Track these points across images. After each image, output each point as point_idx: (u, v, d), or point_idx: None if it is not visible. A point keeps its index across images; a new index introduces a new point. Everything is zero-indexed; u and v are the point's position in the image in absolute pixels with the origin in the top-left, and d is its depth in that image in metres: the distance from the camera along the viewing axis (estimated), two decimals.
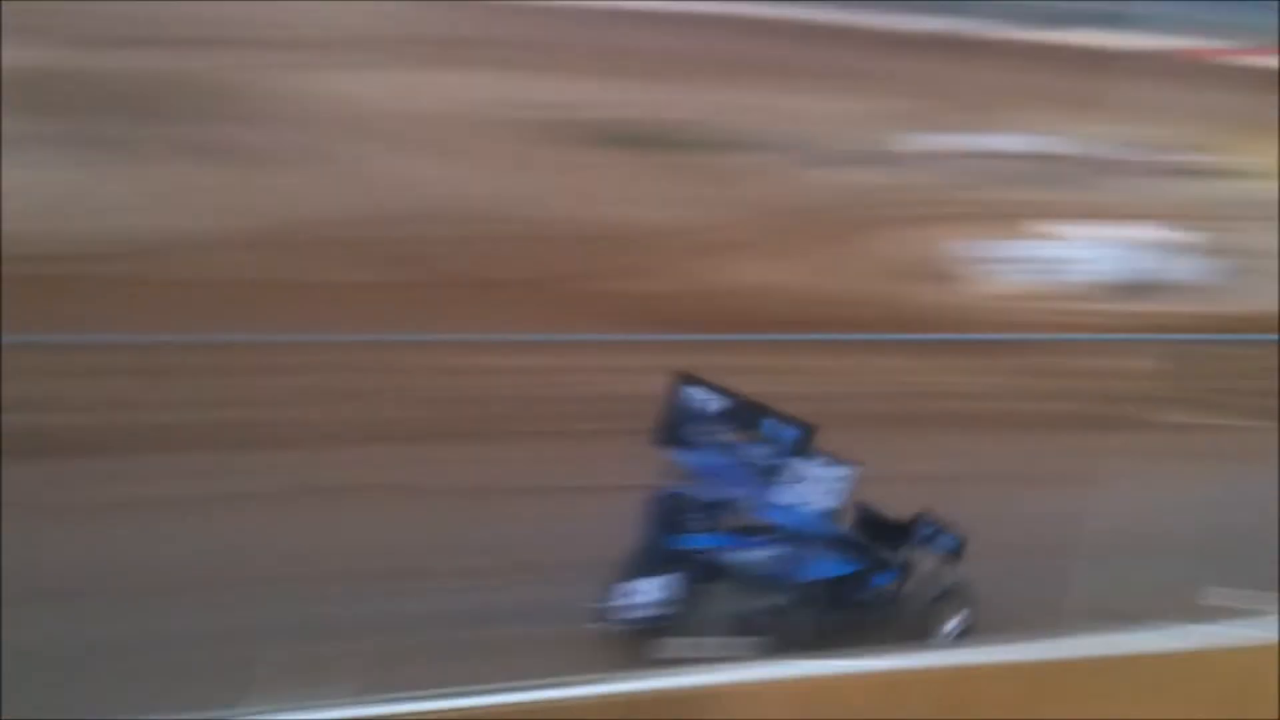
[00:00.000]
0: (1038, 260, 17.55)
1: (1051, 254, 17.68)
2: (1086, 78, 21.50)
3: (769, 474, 8.07)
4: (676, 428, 8.21)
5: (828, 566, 8.13)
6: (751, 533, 8.20)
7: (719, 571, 8.08)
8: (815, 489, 8.09)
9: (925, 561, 8.32)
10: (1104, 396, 12.47)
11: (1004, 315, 16.21)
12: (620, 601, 8.05)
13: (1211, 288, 17.22)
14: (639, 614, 8.00)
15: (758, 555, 8.10)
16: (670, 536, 8.12)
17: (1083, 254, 17.93)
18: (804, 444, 8.13)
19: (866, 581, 8.26)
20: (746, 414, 8.20)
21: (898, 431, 11.21)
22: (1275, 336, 13.90)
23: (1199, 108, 29.78)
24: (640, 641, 7.81)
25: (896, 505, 8.36)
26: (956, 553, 8.22)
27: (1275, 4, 26.86)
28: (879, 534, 8.39)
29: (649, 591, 7.96)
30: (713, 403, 8.19)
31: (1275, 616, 6.29)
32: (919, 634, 7.74)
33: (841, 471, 8.09)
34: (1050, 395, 12.97)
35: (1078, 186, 25.55)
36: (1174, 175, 27.69)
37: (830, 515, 8.20)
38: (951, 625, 8.17)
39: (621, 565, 8.17)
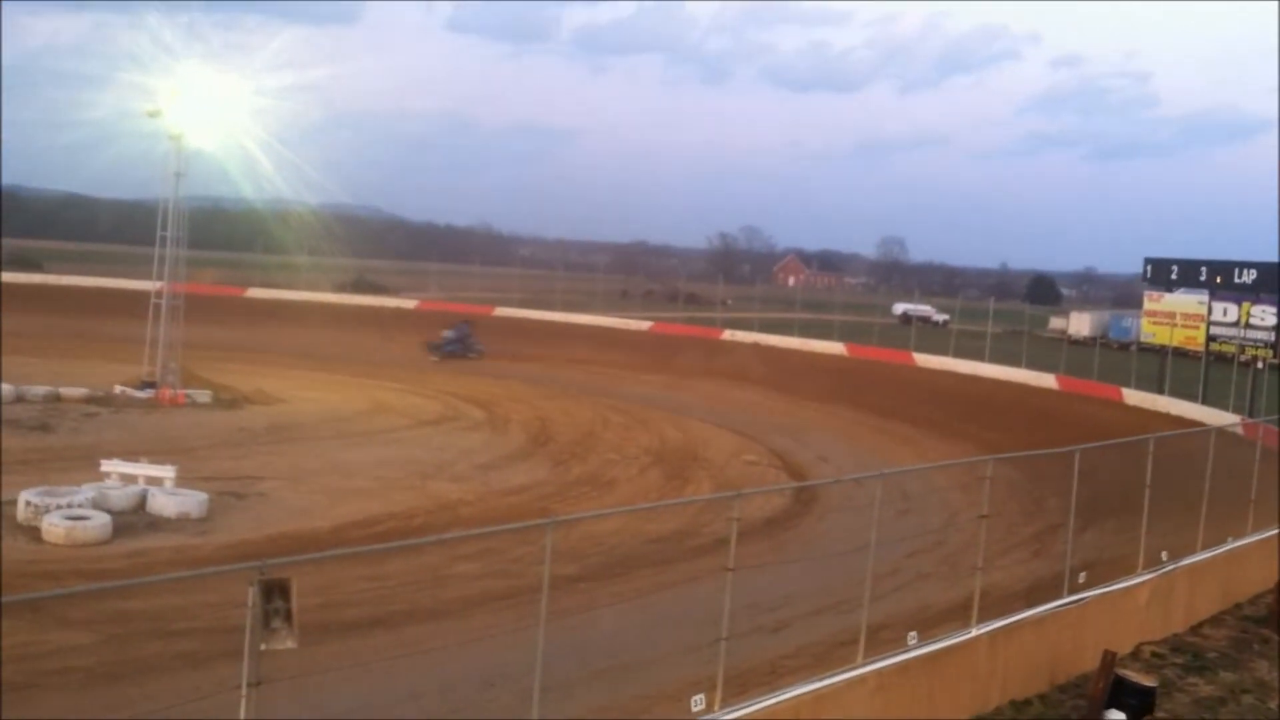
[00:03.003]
0: (75, 505, 19.55)
1: (81, 497, 19.80)
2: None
3: None
4: None
5: None
6: None
7: None
8: None
9: None
10: (198, 632, 15.34)
11: (66, 566, 18.06)
12: None
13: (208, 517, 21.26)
14: None
15: None
16: None
17: (103, 495, 20.46)
18: None
19: None
20: None
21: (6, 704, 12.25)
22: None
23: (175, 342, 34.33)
24: None
25: None
26: None
27: None
28: None
29: None
30: None
31: None
32: None
33: None
34: (147, 637, 15.42)
35: (65, 429, 27.98)
36: (153, 410, 31.58)
37: None
38: None
39: None
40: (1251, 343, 46.60)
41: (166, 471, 21.92)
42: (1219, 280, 48.13)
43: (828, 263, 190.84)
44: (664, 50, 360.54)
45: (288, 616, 8.29)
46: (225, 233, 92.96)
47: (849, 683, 12.61)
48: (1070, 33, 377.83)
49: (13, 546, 18.69)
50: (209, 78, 35.07)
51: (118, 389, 33.78)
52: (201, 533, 20.43)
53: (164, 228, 34.93)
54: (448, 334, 53.52)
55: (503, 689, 13.23)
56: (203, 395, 34.37)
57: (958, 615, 15.49)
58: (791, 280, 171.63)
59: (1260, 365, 45.94)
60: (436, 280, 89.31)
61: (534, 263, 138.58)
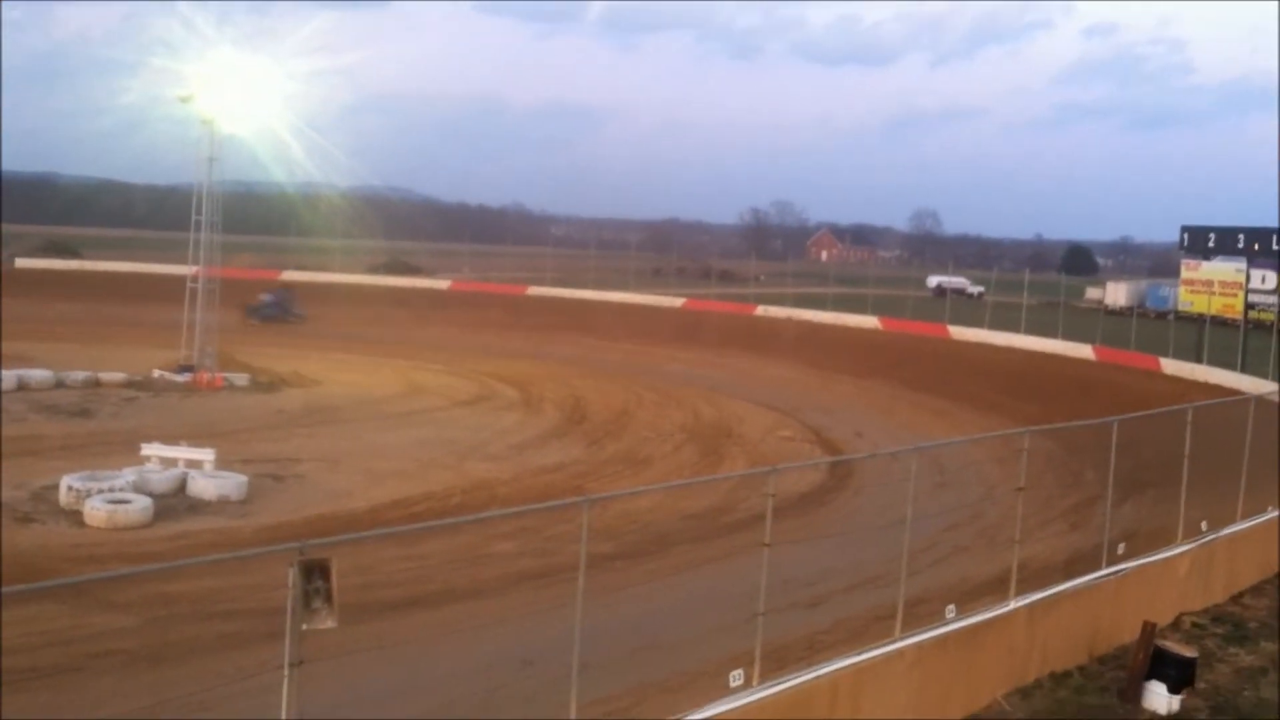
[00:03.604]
0: (116, 489, 19.77)
1: (122, 481, 20.02)
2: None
3: None
4: None
5: None
6: None
7: None
8: None
9: None
10: (239, 613, 15.49)
11: (109, 550, 18.29)
12: None
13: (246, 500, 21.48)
14: None
15: None
16: None
17: (143, 479, 20.69)
18: None
19: None
20: None
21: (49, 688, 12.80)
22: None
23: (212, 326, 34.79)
24: None
25: None
26: None
27: None
28: None
29: None
30: None
31: None
32: None
33: None
34: (189, 620, 15.59)
35: (105, 413, 28.45)
36: (191, 394, 32.04)
37: None
38: None
39: None
40: None
41: (206, 454, 22.12)
42: (1257, 247, 47.66)
43: (861, 237, 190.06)
44: (693, 27, 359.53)
45: (328, 597, 8.34)
46: (259, 217, 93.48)
47: (887, 657, 12.60)
48: (1103, 1, 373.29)
49: (55, 531, 18.94)
50: (240, 63, 35.20)
51: (156, 373, 34.07)
52: (241, 515, 20.61)
53: (198, 212, 35.13)
54: (265, 297, 53.29)
55: (541, 667, 13.28)
56: (240, 378, 34.63)
57: (996, 588, 15.45)
58: (824, 255, 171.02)
59: None
60: (469, 261, 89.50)
61: (567, 242, 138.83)
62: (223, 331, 36.84)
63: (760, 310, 67.01)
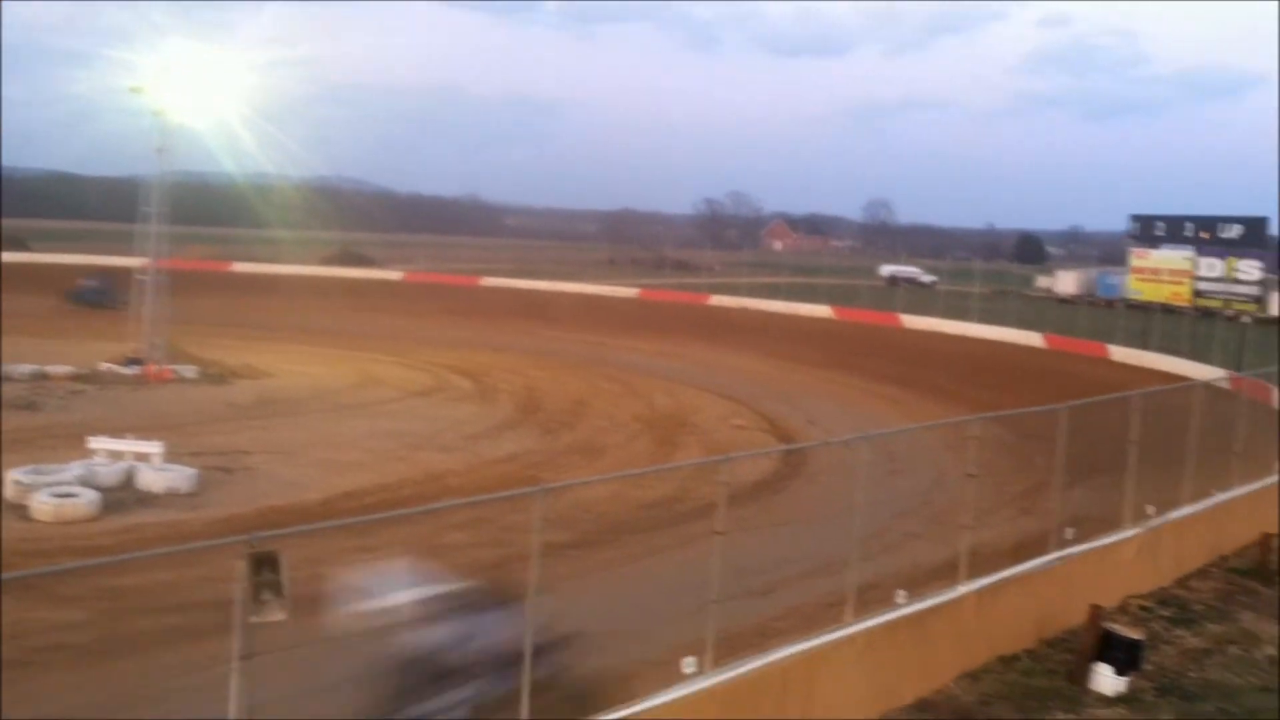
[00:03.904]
0: (63, 483, 19.58)
1: (69, 475, 19.84)
2: None
3: None
4: None
5: None
6: None
7: None
8: None
9: None
10: (189, 606, 15.41)
11: (56, 544, 18.10)
12: None
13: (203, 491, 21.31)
14: None
15: None
16: None
17: (91, 472, 20.49)
18: None
19: None
20: None
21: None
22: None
23: (165, 317, 34.42)
24: None
25: None
26: None
27: None
28: None
29: None
30: None
31: None
32: None
33: None
34: (138, 613, 15.49)
35: (52, 406, 28.11)
36: (140, 386, 31.71)
37: None
38: None
39: None
40: (1237, 297, 46.77)
41: (154, 447, 21.91)
42: (1205, 236, 48.29)
43: (814, 226, 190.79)
44: (651, 18, 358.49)
45: (277, 589, 8.31)
46: (211, 208, 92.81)
47: (838, 643, 12.70)
48: None
49: (2, 525, 18.72)
50: (194, 53, 34.87)
51: (104, 366, 33.72)
52: (191, 508, 20.44)
53: (148, 204, 34.79)
54: (87, 282, 52.89)
55: None
56: (190, 371, 34.34)
57: (946, 573, 15.56)
58: (779, 244, 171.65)
59: (1245, 319, 46.10)
60: (423, 252, 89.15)
61: (522, 232, 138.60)
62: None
63: (715, 300, 67.18)
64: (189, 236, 61.20)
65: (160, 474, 21.14)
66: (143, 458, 21.64)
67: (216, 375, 34.61)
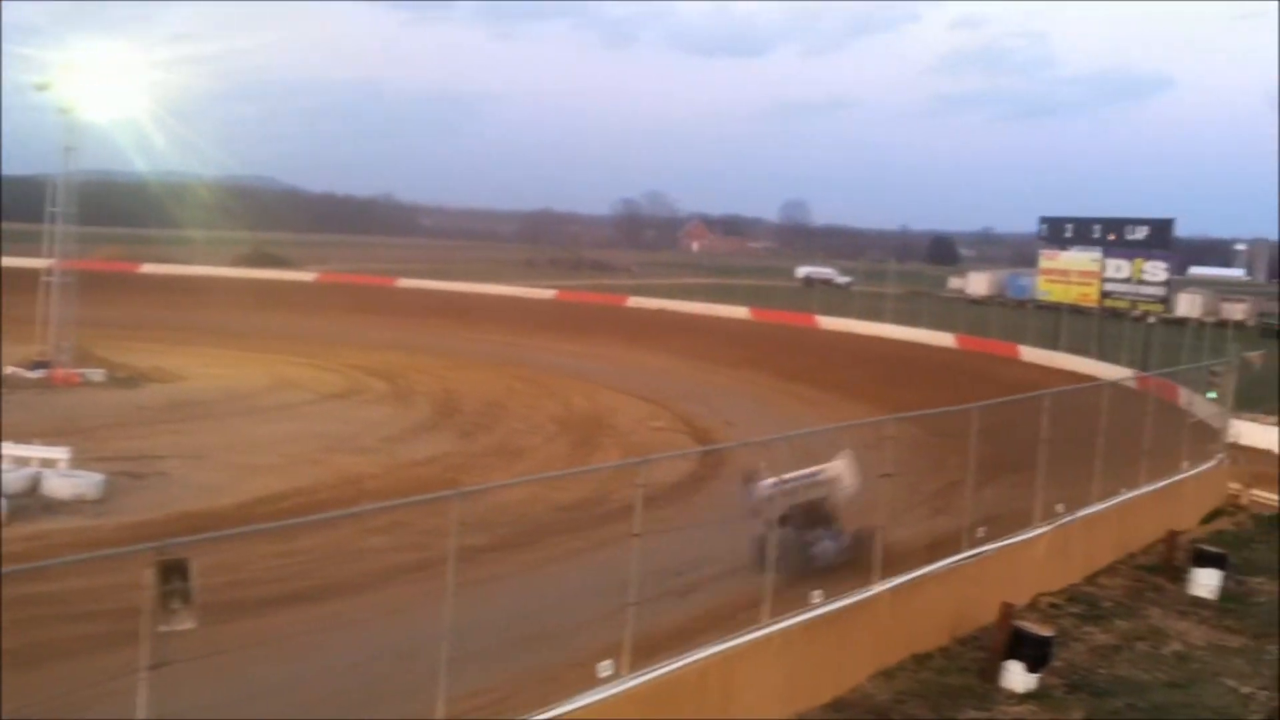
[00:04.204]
0: None
1: None
2: None
3: None
4: None
5: None
6: None
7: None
8: None
9: None
10: (97, 615, 15.17)
11: None
12: None
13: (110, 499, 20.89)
14: None
15: None
16: None
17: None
18: None
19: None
20: None
21: None
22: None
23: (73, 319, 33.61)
24: None
25: None
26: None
27: None
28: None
29: None
30: None
31: None
32: None
33: None
34: (44, 622, 15.18)
35: None
36: (46, 390, 30.93)
37: None
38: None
39: None
40: (1144, 298, 47.75)
41: (60, 453, 21.48)
42: (1112, 237, 49.22)
43: (732, 227, 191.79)
44: (569, 16, 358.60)
45: (186, 597, 8.23)
46: (120, 208, 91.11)
47: (755, 643, 12.83)
48: None
49: None
50: (102, 49, 34.25)
51: (8, 370, 32.99)
52: (99, 514, 20.04)
53: (54, 203, 34.11)
54: None
55: (416, 661, 13.21)
56: (98, 374, 33.71)
57: (861, 573, 15.76)
58: (696, 245, 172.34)
59: (1152, 320, 47.11)
60: (337, 252, 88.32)
61: (438, 232, 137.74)
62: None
63: (633, 301, 67.30)
64: (97, 237, 60.14)
65: (67, 480, 20.70)
66: (49, 463, 21.19)
67: (126, 379, 34.02)
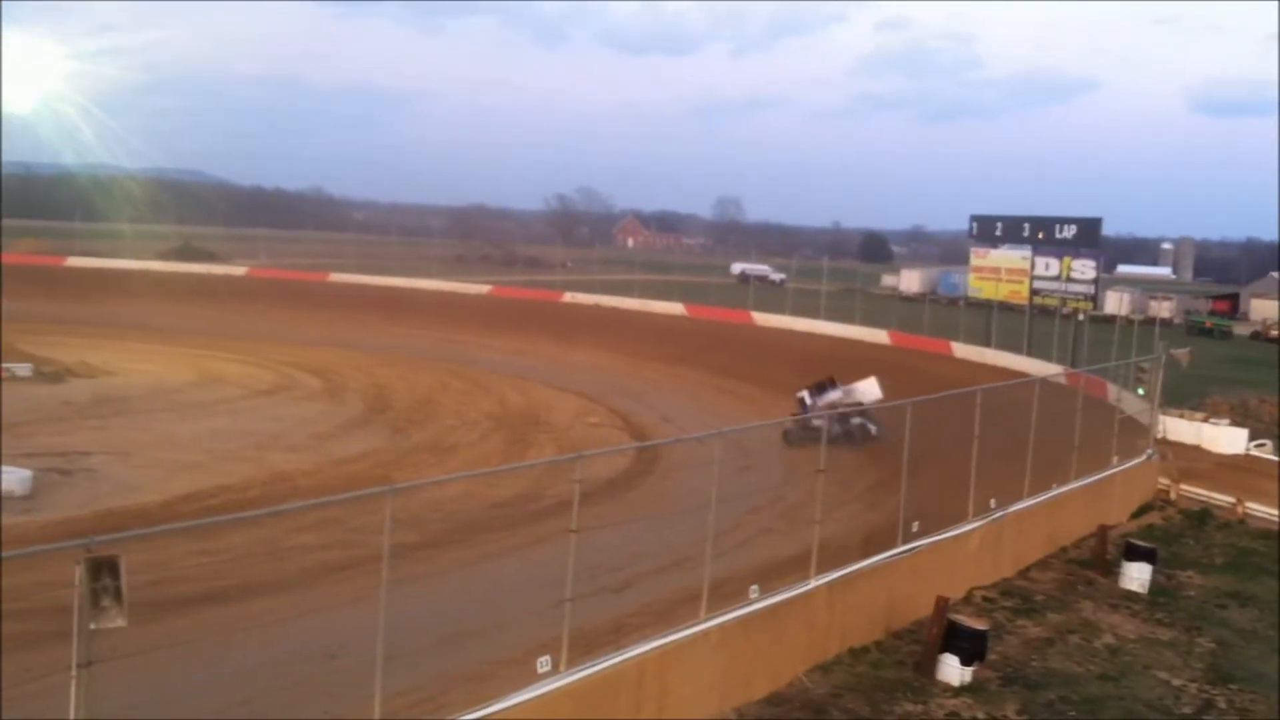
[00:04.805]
0: None
1: None
2: None
3: None
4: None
5: None
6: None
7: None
8: None
9: None
10: (24, 613, 14.84)
11: None
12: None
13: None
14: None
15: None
16: None
17: None
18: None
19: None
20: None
21: None
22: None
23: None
24: None
25: None
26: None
27: None
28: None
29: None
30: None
31: None
32: None
33: None
34: None
35: None
36: None
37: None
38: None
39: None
40: (1073, 295, 48.35)
41: None
42: (1041, 236, 49.77)
43: (666, 224, 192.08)
44: (498, 12, 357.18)
45: (117, 594, 8.09)
46: (42, 201, 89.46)
47: (692, 638, 12.82)
48: None
49: None
50: (21, 41, 33.58)
51: None
52: (25, 510, 19.65)
53: None
54: None
55: (345, 659, 13.09)
56: (23, 369, 33.06)
57: (798, 568, 15.81)
58: (630, 241, 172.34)
59: (1081, 317, 47.72)
60: (266, 246, 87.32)
61: (368, 227, 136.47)
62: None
63: (568, 297, 67.11)
64: (18, 230, 59.00)
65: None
66: None
67: (52, 373, 33.41)
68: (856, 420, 29.73)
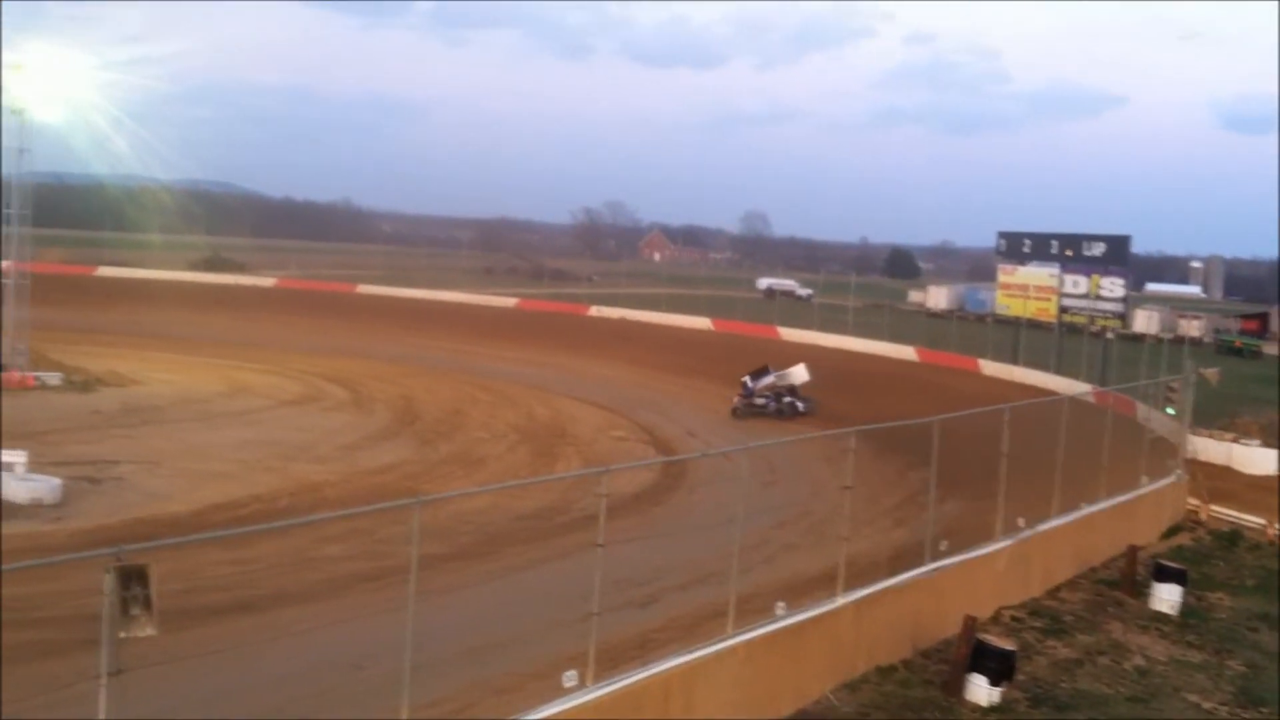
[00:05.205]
0: None
1: None
2: None
3: None
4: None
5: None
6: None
7: None
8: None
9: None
10: (53, 621, 14.95)
11: None
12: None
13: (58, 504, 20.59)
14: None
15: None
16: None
17: None
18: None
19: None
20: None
21: None
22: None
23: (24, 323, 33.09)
24: None
25: None
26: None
27: None
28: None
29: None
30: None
31: None
32: None
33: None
34: None
35: None
36: (6, 392, 30.42)
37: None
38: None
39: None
40: (1101, 313, 48.15)
41: (17, 456, 21.15)
42: (1069, 253, 49.62)
43: (692, 238, 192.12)
44: (522, 25, 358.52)
45: (147, 603, 8.12)
46: (74, 210, 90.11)
47: (718, 654, 12.78)
48: (922, 10, 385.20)
49: None
50: (53, 50, 33.84)
51: None
52: (56, 519, 19.81)
53: (8, 205, 33.69)
54: None
55: (372, 670, 13.13)
56: (53, 377, 33.30)
57: (824, 584, 15.76)
58: (656, 255, 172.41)
59: (1109, 335, 47.50)
60: (295, 257, 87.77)
61: (396, 239, 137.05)
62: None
63: (594, 310, 67.25)
64: (50, 239, 59.47)
65: (24, 484, 20.43)
66: (6, 467, 20.88)
67: (82, 382, 33.62)
68: (788, 399, 38.29)
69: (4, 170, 34.45)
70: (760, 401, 38.17)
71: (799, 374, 38.85)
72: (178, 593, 14.82)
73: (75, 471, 22.59)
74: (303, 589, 17.26)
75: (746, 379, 38.94)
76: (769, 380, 38.79)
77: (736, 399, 38.37)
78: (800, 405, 38.18)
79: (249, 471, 24.58)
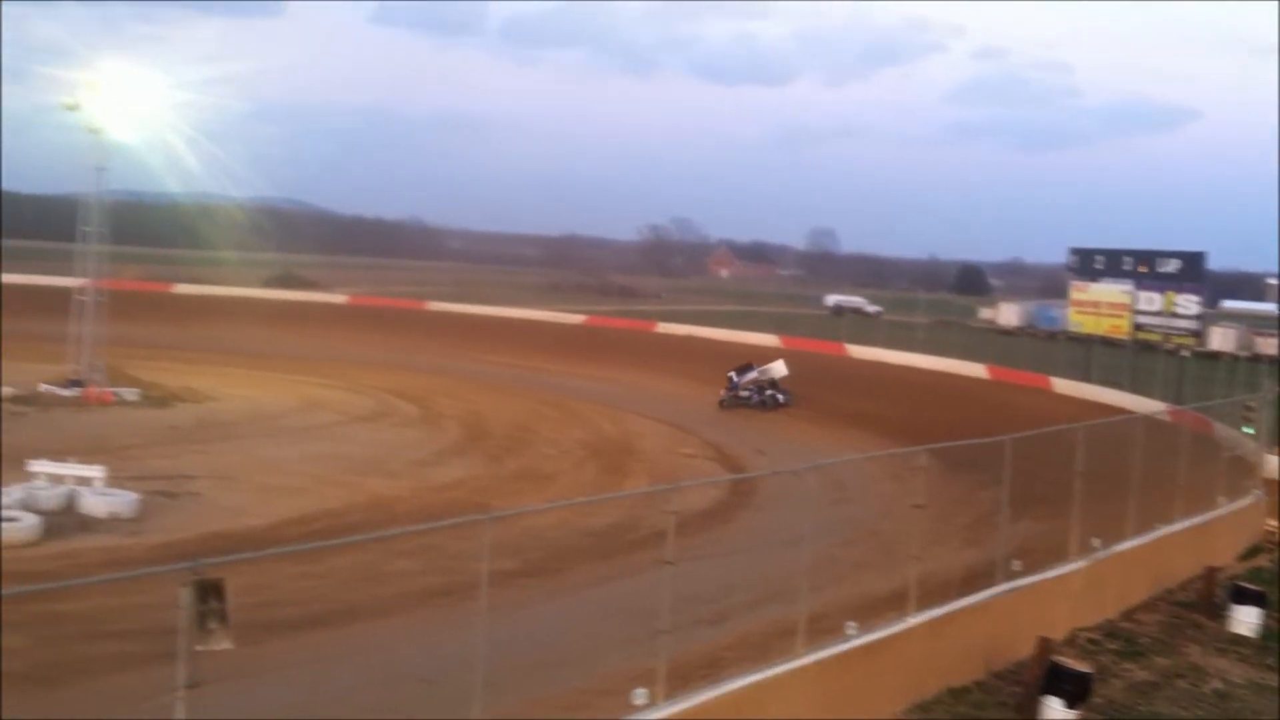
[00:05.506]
0: (3, 507, 19.14)
1: (9, 499, 19.40)
2: None
3: None
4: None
5: None
6: None
7: None
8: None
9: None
10: (131, 634, 15.15)
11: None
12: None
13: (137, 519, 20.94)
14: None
15: None
16: None
17: (31, 496, 20.07)
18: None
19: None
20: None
21: None
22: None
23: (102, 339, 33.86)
24: None
25: None
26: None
27: None
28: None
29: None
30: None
31: None
32: None
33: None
34: (78, 640, 15.20)
35: None
36: (80, 409, 31.14)
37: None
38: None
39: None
40: (1176, 331, 47.41)
41: (95, 471, 21.58)
42: (1143, 270, 48.91)
43: (759, 254, 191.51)
44: (591, 43, 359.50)
45: (223, 617, 8.20)
46: (150, 228, 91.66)
47: (790, 673, 12.69)
48: (993, 25, 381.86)
49: None
50: (128, 70, 34.49)
51: (43, 388, 33.19)
52: (133, 533, 20.16)
53: (86, 223, 34.35)
54: None
55: (443, 685, 13.17)
56: (131, 393, 33.88)
57: (895, 604, 15.61)
58: (724, 272, 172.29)
59: (1185, 353, 46.76)
60: (366, 274, 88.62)
61: (465, 256, 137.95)
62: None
63: (661, 327, 67.21)
64: (127, 256, 60.46)
65: (102, 498, 20.82)
66: (84, 482, 21.30)
67: (158, 398, 34.19)
68: (769, 391, 42.76)
69: (82, 189, 35.15)
70: (745, 394, 42.95)
71: (779, 369, 43.83)
72: (252, 606, 14.99)
73: (152, 486, 22.97)
74: (374, 603, 17.38)
75: (732, 374, 43.46)
76: (752, 375, 43.40)
77: (723, 392, 43.12)
78: (780, 397, 42.87)
79: (321, 486, 24.85)
